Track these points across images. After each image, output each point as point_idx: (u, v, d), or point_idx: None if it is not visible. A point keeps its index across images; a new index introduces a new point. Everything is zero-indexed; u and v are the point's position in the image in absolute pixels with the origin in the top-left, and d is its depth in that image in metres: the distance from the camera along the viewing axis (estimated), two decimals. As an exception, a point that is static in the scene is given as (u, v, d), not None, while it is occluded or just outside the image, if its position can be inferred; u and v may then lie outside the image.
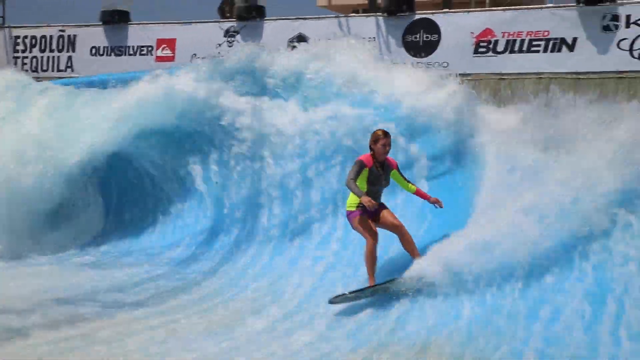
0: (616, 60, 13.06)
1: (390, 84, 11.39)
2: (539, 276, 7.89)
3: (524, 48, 13.84)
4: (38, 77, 17.74)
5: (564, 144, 8.92)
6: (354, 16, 15.93)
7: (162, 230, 12.27)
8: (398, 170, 8.90)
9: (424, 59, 14.61)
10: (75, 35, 18.36)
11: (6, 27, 19.58)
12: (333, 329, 7.96)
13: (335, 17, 16.16)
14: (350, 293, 8.44)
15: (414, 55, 14.68)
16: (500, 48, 14.02)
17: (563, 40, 13.51)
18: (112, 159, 12.47)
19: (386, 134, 8.62)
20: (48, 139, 12.29)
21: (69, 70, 18.29)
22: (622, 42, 13.03)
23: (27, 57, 18.92)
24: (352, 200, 8.58)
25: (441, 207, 8.94)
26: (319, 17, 16.35)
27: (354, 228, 8.68)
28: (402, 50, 14.84)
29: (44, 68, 18.61)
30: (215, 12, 26.33)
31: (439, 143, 10.75)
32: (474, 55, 14.22)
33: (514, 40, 13.91)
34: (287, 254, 10.48)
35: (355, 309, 8.35)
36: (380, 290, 8.42)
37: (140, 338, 7.56)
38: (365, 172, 8.47)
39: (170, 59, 16.80)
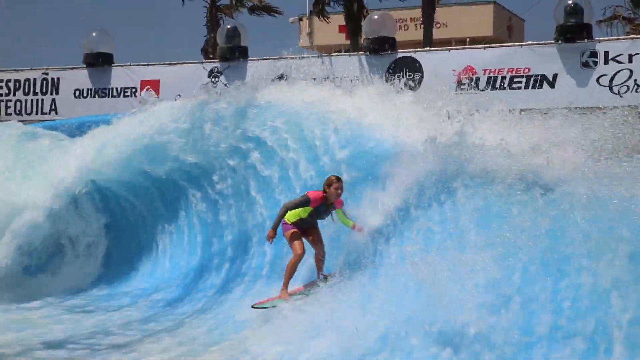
0: (596, 95, 13.29)
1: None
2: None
3: (506, 84, 14.05)
4: (22, 120, 17.74)
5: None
6: (337, 55, 16.10)
7: (152, 271, 12.23)
8: (342, 210, 9.56)
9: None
10: (59, 78, 18.43)
11: (-11, 70, 19.61)
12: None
13: (319, 56, 16.31)
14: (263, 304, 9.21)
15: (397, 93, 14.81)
16: (482, 85, 14.22)
17: (544, 77, 13.74)
18: (100, 199, 12.44)
19: (339, 179, 9.36)
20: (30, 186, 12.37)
21: (52, 112, 18.32)
22: (601, 78, 13.28)
23: (10, 101, 18.94)
24: (290, 216, 9.28)
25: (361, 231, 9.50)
26: (302, 57, 16.48)
27: (285, 237, 9.36)
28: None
29: (28, 111, 18.63)
30: (198, 52, 26.71)
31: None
32: (457, 92, 14.40)
33: (495, 77, 14.13)
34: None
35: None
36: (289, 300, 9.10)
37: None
38: (308, 209, 9.25)
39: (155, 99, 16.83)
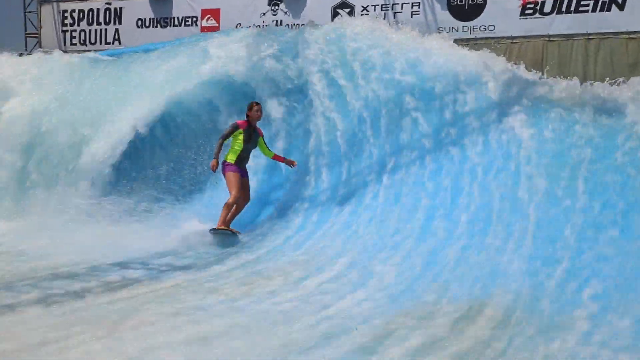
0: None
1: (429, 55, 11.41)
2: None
3: (572, 8, 13.60)
4: (87, 50, 18.04)
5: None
6: (399, -19, 15.78)
7: (213, 196, 12.41)
8: (263, 138, 10.92)
9: (469, 23, 14.47)
10: (121, 8, 18.58)
11: (54, 1, 19.86)
12: (380, 289, 7.99)
13: (379, -18, 16.03)
14: (212, 230, 10.29)
15: (459, 19, 14.54)
16: (547, 9, 13.80)
17: (612, -1, 13.26)
18: (162, 123, 12.63)
19: (258, 103, 10.83)
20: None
21: (116, 42, 18.54)
22: (675, 0, 12.76)
23: (75, 31, 19.22)
24: (232, 155, 10.53)
25: (294, 166, 11.03)
26: (363, -18, 16.25)
27: (225, 177, 10.54)
28: (447, 14, 14.72)
29: (92, 41, 18.90)
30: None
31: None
32: (520, 17, 14.04)
33: (562, 1, 13.68)
34: (335, 219, 10.54)
35: (401, 271, 8.41)
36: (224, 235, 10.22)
37: (194, 296, 7.70)
38: (240, 134, 10.51)
39: (215, 29, 16.90)
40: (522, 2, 14.07)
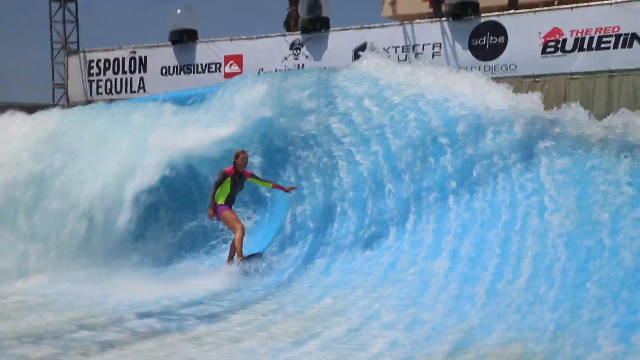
0: (691, 53, 12.70)
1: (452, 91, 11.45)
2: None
3: (593, 46, 13.57)
4: (112, 99, 18.31)
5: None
6: (419, 22, 15.87)
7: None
8: (253, 176, 11.59)
9: (491, 63, 14.49)
10: (146, 57, 18.86)
11: (81, 51, 20.24)
12: (409, 332, 7.92)
13: (400, 24, 16.14)
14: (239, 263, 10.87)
15: (481, 59, 14.56)
16: (568, 47, 13.78)
17: (634, 35, 13.19)
18: (187, 169, 12.70)
19: (243, 151, 11.36)
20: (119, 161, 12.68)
21: (141, 90, 18.78)
22: (696, 35, 12.68)
23: (101, 80, 19.53)
24: (220, 196, 11.17)
25: (293, 191, 11.61)
26: (383, 26, 16.38)
27: (220, 218, 11.25)
28: (468, 54, 14.74)
29: (118, 90, 19.17)
30: (281, 26, 26.84)
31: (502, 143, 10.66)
32: (542, 55, 14.02)
33: (583, 38, 13.66)
34: (358, 263, 10.50)
35: (425, 313, 8.33)
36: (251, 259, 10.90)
37: (223, 349, 7.66)
38: (228, 181, 11.14)
39: (238, 74, 17.05)
40: (543, 40, 14.05)
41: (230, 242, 11.48)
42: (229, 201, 11.27)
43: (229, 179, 11.20)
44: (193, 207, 12.89)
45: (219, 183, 11.17)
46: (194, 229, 12.83)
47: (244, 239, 11.12)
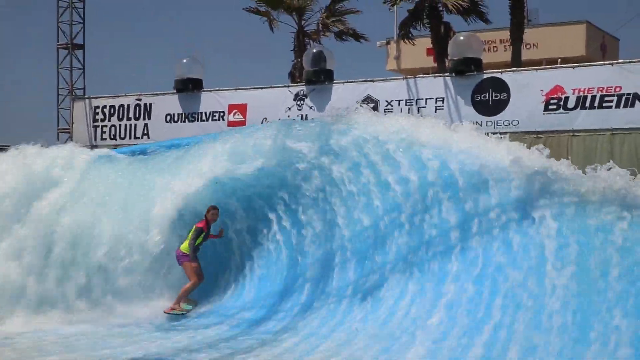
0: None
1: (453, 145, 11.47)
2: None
3: (596, 104, 13.67)
4: (116, 145, 18.40)
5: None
6: (422, 77, 16.02)
7: (237, 291, 12.41)
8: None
9: (493, 118, 14.57)
10: (151, 104, 18.99)
11: (86, 97, 20.40)
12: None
13: (403, 78, 16.28)
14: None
15: (483, 114, 14.65)
16: (570, 105, 13.88)
17: (636, 95, 13.31)
18: (186, 216, 12.70)
19: (215, 207, 12.30)
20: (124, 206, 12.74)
21: (145, 137, 18.87)
22: (698, 96, 12.77)
23: (106, 126, 19.62)
24: (185, 245, 12.10)
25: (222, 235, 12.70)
26: (386, 79, 16.52)
27: (184, 266, 12.12)
28: (471, 109, 14.84)
29: (122, 136, 19.26)
30: (286, 77, 27.07)
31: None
32: (545, 112, 14.11)
33: (585, 97, 13.76)
34: (358, 314, 10.41)
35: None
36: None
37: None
38: (202, 234, 12.13)
39: (242, 123, 17.16)
40: (545, 97, 14.16)
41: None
42: (194, 252, 12.13)
43: (203, 232, 12.17)
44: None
45: (196, 238, 12.09)
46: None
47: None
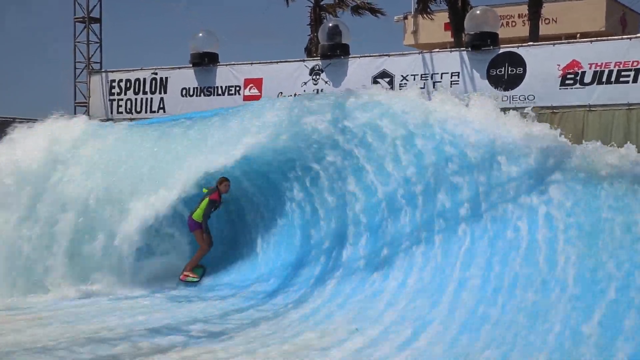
0: None
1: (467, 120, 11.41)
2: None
3: (612, 79, 13.57)
4: (132, 118, 18.50)
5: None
6: (438, 52, 15.95)
7: (250, 264, 12.49)
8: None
9: (509, 93, 14.51)
10: (167, 78, 19.05)
11: (103, 71, 20.48)
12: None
13: (419, 53, 16.22)
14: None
15: (499, 89, 14.58)
16: (587, 79, 13.78)
17: (653, 70, 13.21)
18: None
19: (227, 179, 12.41)
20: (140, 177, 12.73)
21: (161, 111, 18.95)
22: None
23: (122, 100, 19.73)
24: (199, 214, 12.34)
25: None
26: (402, 54, 16.47)
27: (195, 234, 12.47)
28: (487, 83, 14.79)
29: (138, 110, 19.35)
30: (302, 52, 27.04)
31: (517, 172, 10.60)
32: (561, 87, 14.03)
33: (602, 72, 13.66)
34: (371, 285, 10.48)
35: (433, 342, 8.27)
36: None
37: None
38: (215, 203, 12.38)
39: (257, 97, 17.14)
40: (561, 72, 14.07)
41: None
42: (205, 220, 12.46)
43: (215, 201, 12.32)
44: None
45: (210, 209, 12.36)
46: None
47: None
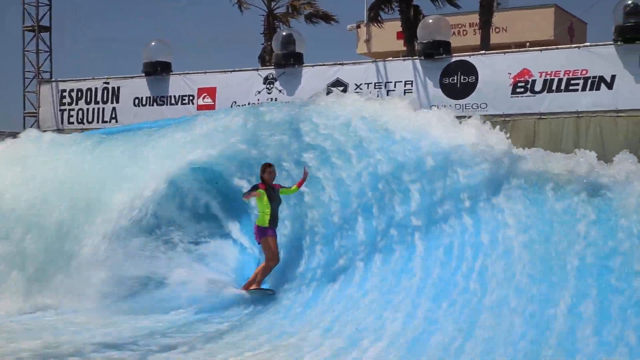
0: (656, 97, 12.93)
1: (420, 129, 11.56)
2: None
3: (562, 87, 13.79)
4: (84, 128, 18.24)
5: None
6: (391, 60, 16.03)
7: (207, 270, 12.37)
8: (281, 187, 11.30)
9: (462, 101, 14.63)
10: (119, 87, 18.81)
11: (53, 81, 20.15)
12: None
13: (373, 61, 16.30)
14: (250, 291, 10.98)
15: (452, 97, 14.71)
16: (537, 88, 13.98)
17: (602, 78, 13.44)
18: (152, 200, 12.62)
19: (270, 165, 11.20)
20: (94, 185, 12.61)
21: (113, 121, 18.71)
22: (661, 79, 12.93)
23: (73, 110, 19.40)
24: (263, 219, 10.87)
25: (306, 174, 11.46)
26: (356, 62, 16.52)
27: (261, 243, 10.98)
28: (440, 92, 14.88)
29: (89, 120, 19.06)
30: (256, 61, 26.98)
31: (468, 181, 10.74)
32: (512, 95, 14.21)
33: (552, 80, 13.88)
34: (327, 295, 10.48)
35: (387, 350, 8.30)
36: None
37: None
38: (263, 194, 10.82)
39: (211, 107, 17.07)
40: (512, 80, 14.25)
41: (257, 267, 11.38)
42: (273, 222, 11.00)
43: (262, 191, 10.92)
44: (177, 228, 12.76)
45: (249, 193, 10.98)
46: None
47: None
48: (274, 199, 11.03)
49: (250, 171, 12.46)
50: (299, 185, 11.47)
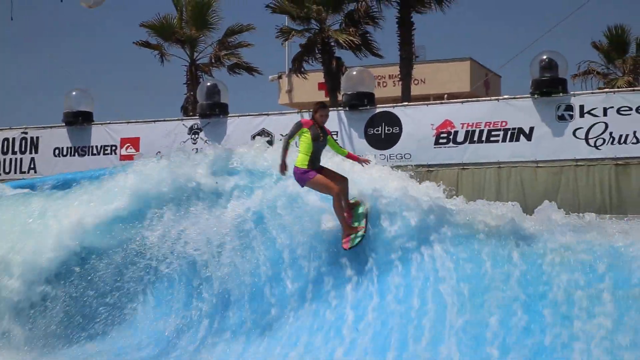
0: (573, 148, 13.41)
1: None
2: None
3: (483, 138, 14.16)
4: (1, 180, 17.67)
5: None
6: (316, 111, 16.17)
7: (130, 329, 12.03)
8: (332, 137, 10.49)
9: (386, 152, 14.85)
10: (38, 137, 18.37)
11: (-32, 130, 19.53)
12: None
13: (298, 112, 16.42)
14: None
15: (376, 148, 14.90)
16: (460, 139, 14.31)
17: (521, 130, 13.88)
18: (76, 252, 12.35)
19: (325, 106, 10.36)
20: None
21: (31, 171, 18.21)
22: (577, 131, 13.42)
23: (-11, 160, 18.82)
24: (302, 160, 9.95)
25: (368, 163, 10.90)
26: (281, 113, 16.63)
27: (309, 185, 10.03)
28: (364, 142, 15.08)
29: (7, 170, 18.52)
30: (178, 111, 26.85)
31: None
32: (435, 146, 14.50)
33: (473, 131, 14.24)
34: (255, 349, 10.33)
35: None
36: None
37: None
38: (307, 133, 9.92)
39: (136, 156, 16.84)
40: (435, 131, 14.56)
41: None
42: (312, 163, 9.95)
43: (305, 129, 9.94)
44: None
45: (291, 134, 9.95)
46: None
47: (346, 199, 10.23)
48: (319, 140, 10.02)
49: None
50: (351, 156, 10.76)
